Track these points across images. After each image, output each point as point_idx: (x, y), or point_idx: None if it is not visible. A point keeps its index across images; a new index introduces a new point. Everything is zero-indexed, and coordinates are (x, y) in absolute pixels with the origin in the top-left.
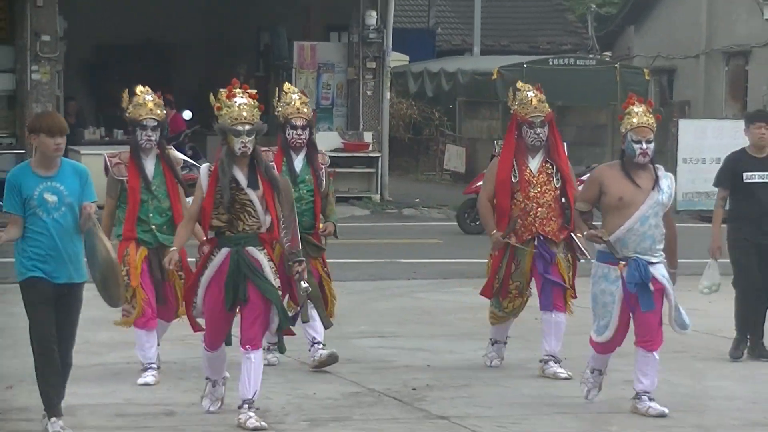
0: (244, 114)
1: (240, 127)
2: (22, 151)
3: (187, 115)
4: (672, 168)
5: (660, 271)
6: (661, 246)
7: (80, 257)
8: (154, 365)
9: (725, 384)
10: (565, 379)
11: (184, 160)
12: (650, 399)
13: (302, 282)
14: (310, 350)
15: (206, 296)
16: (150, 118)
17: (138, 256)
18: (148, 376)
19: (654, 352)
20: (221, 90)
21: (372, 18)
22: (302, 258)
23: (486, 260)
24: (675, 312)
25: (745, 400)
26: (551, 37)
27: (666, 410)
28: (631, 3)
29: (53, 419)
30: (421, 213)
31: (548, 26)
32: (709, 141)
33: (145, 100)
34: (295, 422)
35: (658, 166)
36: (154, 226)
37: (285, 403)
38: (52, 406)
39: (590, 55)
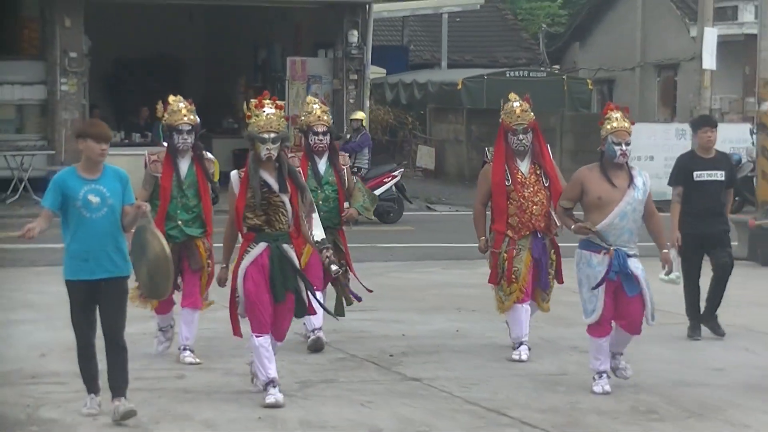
0: (272, 124)
1: (266, 135)
2: (53, 152)
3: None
4: None
5: (634, 264)
6: (637, 238)
7: (120, 254)
8: (166, 330)
9: (660, 351)
10: (518, 361)
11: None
12: (621, 356)
13: (332, 265)
14: (308, 335)
15: (246, 283)
16: (185, 123)
17: None
18: (188, 356)
19: (633, 335)
20: (252, 100)
21: (354, 37)
22: (328, 245)
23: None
24: (651, 304)
25: (680, 364)
26: (508, 52)
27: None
28: (577, 23)
29: (91, 396)
30: None
31: (505, 43)
32: (643, 141)
33: (179, 107)
34: (289, 384)
35: (632, 165)
36: (180, 222)
37: (279, 368)
38: (91, 386)
39: (541, 68)
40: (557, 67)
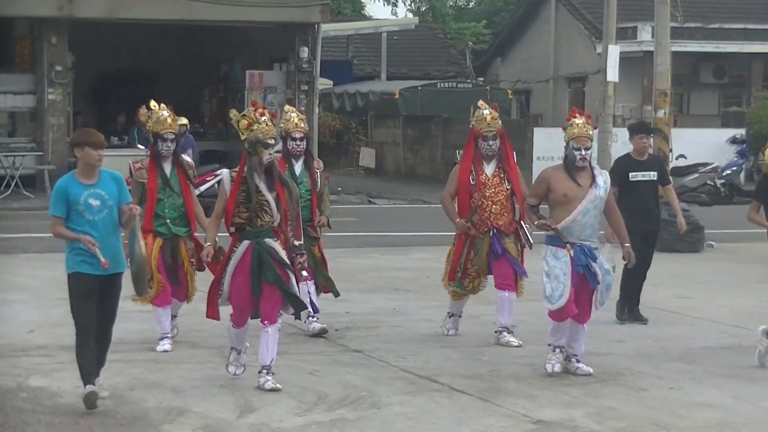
0: (272, 131)
1: (270, 141)
2: (41, 153)
3: None
4: (528, 164)
5: (599, 259)
6: (597, 234)
7: (119, 251)
8: (169, 335)
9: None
10: (517, 347)
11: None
12: (578, 361)
13: (303, 272)
14: (306, 321)
15: (232, 283)
16: (169, 132)
17: (155, 246)
18: (165, 344)
19: (583, 324)
20: (249, 108)
21: (305, 53)
22: (303, 251)
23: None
24: (601, 295)
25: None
26: (439, 66)
27: (591, 370)
28: (498, 41)
29: (88, 386)
30: (342, 198)
31: (437, 58)
32: (555, 144)
33: (164, 116)
34: (248, 356)
35: (594, 165)
36: (168, 220)
37: None
38: (86, 376)
39: (468, 80)
40: (482, 79)
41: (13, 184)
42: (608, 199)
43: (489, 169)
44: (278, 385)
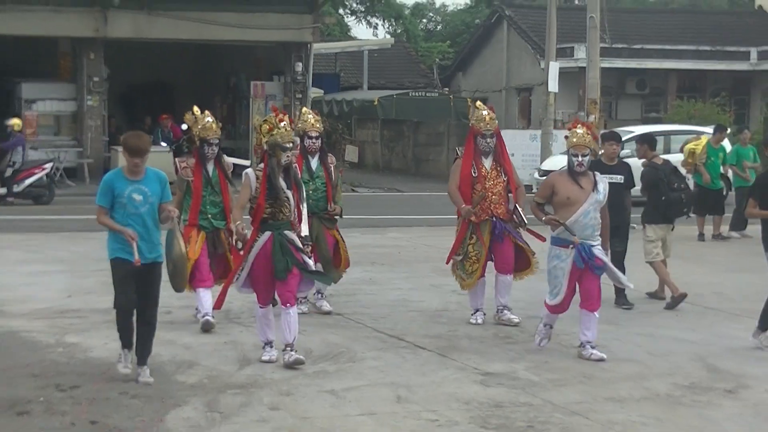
0: (290, 135)
1: (289, 144)
2: (81, 149)
3: (183, 127)
4: None
5: (598, 251)
6: (598, 232)
7: (157, 243)
8: (210, 314)
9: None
10: (516, 324)
11: (234, 163)
12: (592, 347)
13: (309, 260)
14: (314, 298)
15: (254, 267)
16: (215, 137)
17: (199, 239)
18: (207, 319)
19: (595, 312)
20: (270, 115)
21: (299, 67)
22: (310, 242)
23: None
24: (618, 277)
25: (528, 303)
26: (411, 78)
27: (605, 356)
28: (460, 58)
29: (125, 350)
30: None
31: (409, 72)
32: (508, 142)
33: (210, 123)
34: (246, 318)
35: (595, 172)
36: (210, 215)
37: (243, 309)
38: (126, 342)
39: (435, 91)
40: (446, 89)
41: (57, 175)
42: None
43: (487, 163)
44: (302, 357)
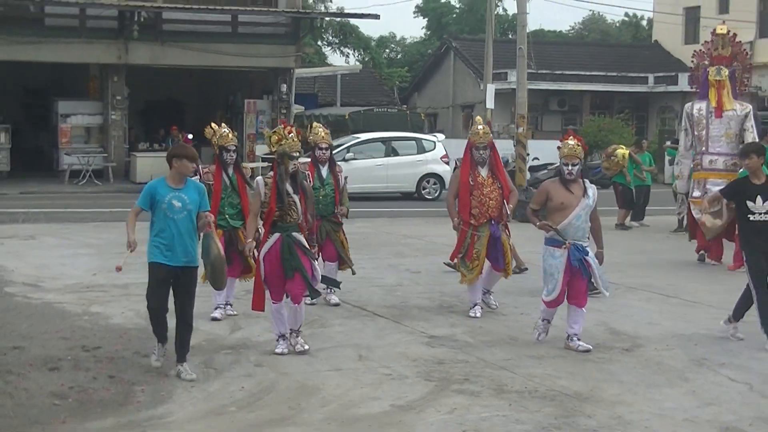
0: (297, 145)
1: (295, 154)
2: (106, 155)
3: (190, 136)
4: None
5: (590, 254)
6: (588, 235)
7: (194, 249)
8: (222, 305)
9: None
10: (495, 308)
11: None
12: (578, 339)
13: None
14: (324, 292)
15: (265, 265)
16: (232, 144)
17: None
18: (216, 313)
19: (582, 308)
20: (278, 126)
21: (284, 88)
22: (315, 244)
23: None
24: (602, 282)
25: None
26: (376, 97)
27: (590, 347)
28: (416, 80)
29: (160, 345)
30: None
31: (374, 92)
32: (452, 149)
33: (226, 133)
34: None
35: (585, 180)
36: (228, 216)
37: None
38: (161, 336)
39: (395, 107)
40: (405, 106)
41: (87, 175)
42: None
43: (484, 172)
44: (306, 347)
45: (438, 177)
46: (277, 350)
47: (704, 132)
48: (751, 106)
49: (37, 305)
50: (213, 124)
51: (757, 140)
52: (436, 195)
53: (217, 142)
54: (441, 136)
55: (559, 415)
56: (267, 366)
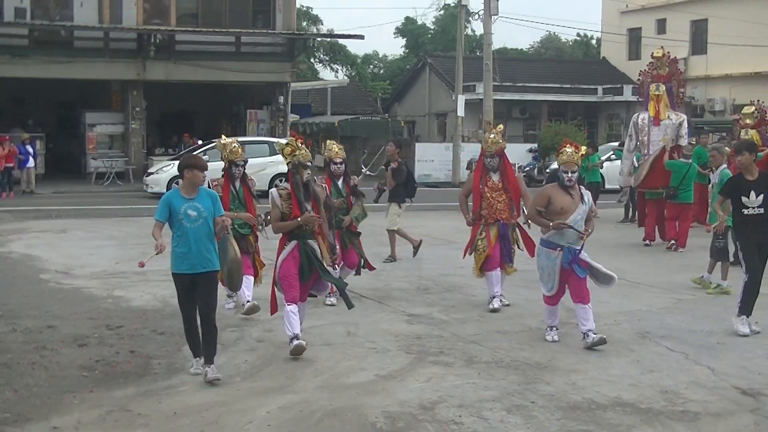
0: (309, 156)
1: (308, 163)
2: (127, 158)
3: (200, 141)
4: (413, 165)
5: (583, 254)
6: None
7: (212, 254)
8: (233, 298)
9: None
10: (507, 305)
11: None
12: (594, 333)
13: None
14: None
15: (282, 268)
16: (240, 159)
17: None
18: (230, 303)
19: (587, 305)
20: (290, 138)
21: (281, 99)
22: (336, 253)
23: None
24: (603, 278)
25: (441, 265)
26: (361, 107)
27: (605, 337)
28: (396, 92)
29: (197, 359)
30: None
31: (360, 102)
32: (428, 151)
33: (236, 147)
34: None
35: (581, 186)
36: (236, 225)
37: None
38: (194, 350)
39: (378, 115)
40: (387, 114)
41: (111, 177)
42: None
43: (495, 177)
44: (304, 344)
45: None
46: (291, 352)
47: (646, 138)
48: (684, 116)
49: (68, 290)
50: (224, 138)
51: (686, 144)
52: None
53: (227, 156)
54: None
55: (522, 382)
56: (267, 342)
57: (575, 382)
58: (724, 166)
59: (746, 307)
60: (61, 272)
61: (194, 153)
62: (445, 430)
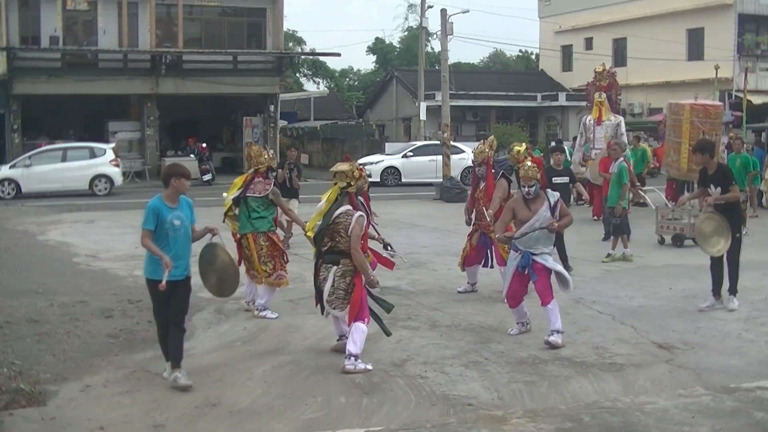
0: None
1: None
2: (143, 160)
3: (204, 144)
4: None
5: (540, 258)
6: (545, 245)
7: (189, 259)
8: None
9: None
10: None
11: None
12: (556, 333)
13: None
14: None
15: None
16: (270, 167)
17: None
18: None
19: (547, 305)
20: (352, 163)
21: (272, 108)
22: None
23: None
24: (564, 283)
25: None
26: (339, 114)
27: (559, 342)
28: (369, 100)
29: (171, 368)
30: None
31: (338, 109)
32: (398, 149)
33: (273, 155)
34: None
35: (547, 191)
36: (258, 215)
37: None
38: (166, 354)
39: (353, 121)
40: (361, 119)
41: (130, 175)
42: (561, 209)
43: (482, 185)
44: (367, 367)
45: (108, 177)
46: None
47: (591, 135)
48: (622, 118)
49: (96, 270)
50: (256, 147)
51: (625, 141)
52: (106, 192)
53: (266, 162)
54: (112, 145)
55: (477, 341)
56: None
57: (521, 341)
58: (621, 159)
59: (729, 286)
60: (90, 256)
61: (178, 162)
62: (413, 383)
